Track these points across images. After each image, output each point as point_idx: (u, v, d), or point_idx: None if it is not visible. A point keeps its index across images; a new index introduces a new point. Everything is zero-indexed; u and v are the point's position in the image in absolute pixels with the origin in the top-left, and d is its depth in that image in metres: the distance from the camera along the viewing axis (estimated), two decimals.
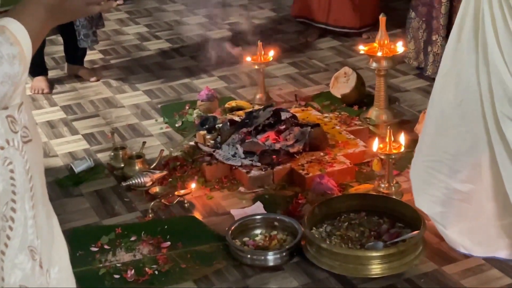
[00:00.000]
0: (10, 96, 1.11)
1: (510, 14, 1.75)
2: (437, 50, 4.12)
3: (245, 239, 2.75)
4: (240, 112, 3.69)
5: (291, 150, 3.25)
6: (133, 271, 2.57)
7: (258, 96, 3.99)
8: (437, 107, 2.11)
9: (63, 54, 4.58)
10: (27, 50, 1.13)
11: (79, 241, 2.76)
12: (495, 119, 1.88)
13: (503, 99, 1.83)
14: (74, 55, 4.47)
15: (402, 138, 3.00)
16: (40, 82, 4.31)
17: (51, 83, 4.40)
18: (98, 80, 4.47)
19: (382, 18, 3.63)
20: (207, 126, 3.52)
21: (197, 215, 2.98)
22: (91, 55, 4.80)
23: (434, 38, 4.12)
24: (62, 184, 3.25)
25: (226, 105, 3.87)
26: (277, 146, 3.27)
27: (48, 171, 3.32)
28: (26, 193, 1.19)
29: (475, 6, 1.83)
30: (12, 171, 1.16)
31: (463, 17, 1.87)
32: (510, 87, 1.78)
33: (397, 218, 2.74)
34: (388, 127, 3.12)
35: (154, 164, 3.21)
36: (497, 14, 1.75)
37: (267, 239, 2.75)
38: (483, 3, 1.79)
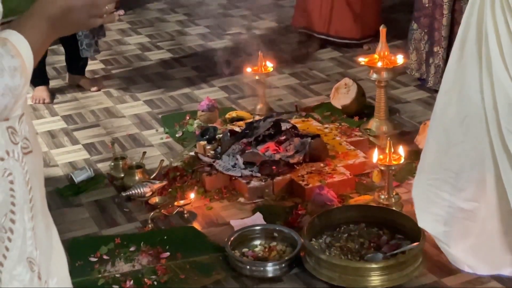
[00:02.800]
0: (11, 108, 1.12)
1: None
2: (439, 62, 4.13)
3: (245, 250, 2.76)
4: (241, 123, 3.70)
5: (291, 160, 3.26)
6: (132, 281, 2.58)
7: (258, 107, 4.00)
8: (439, 124, 2.09)
9: (64, 64, 4.60)
10: (29, 63, 1.13)
11: (78, 251, 2.76)
12: (500, 136, 1.85)
13: (509, 115, 1.82)
14: (76, 65, 4.48)
15: (402, 149, 3.01)
16: (41, 92, 4.32)
17: (52, 93, 4.41)
18: (99, 90, 4.48)
19: (383, 30, 3.65)
20: (207, 136, 3.53)
21: (197, 225, 2.98)
22: (93, 65, 4.81)
23: (435, 49, 4.13)
24: (62, 194, 3.25)
25: (227, 116, 3.88)
26: (277, 156, 3.27)
27: (48, 180, 3.33)
28: (25, 204, 1.19)
29: (478, 22, 1.81)
30: (11, 182, 1.16)
31: (465, 33, 1.85)
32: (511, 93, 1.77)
33: (397, 230, 2.74)
34: (388, 138, 3.13)
35: (154, 174, 3.22)
36: (502, 30, 1.73)
37: (266, 250, 2.75)
38: (487, 19, 1.77)
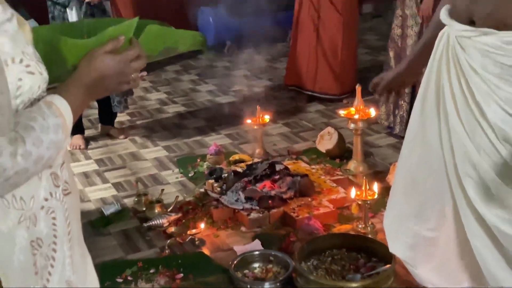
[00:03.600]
0: (54, 158, 1.13)
1: (468, 89, 1.76)
2: (403, 113, 4.17)
3: (246, 271, 2.74)
4: (242, 164, 3.70)
5: (284, 196, 3.26)
6: None
7: (257, 151, 4.01)
8: (404, 166, 2.09)
9: (97, 116, 4.62)
10: (69, 121, 1.14)
11: (107, 274, 2.73)
12: (457, 176, 1.85)
13: (464, 159, 1.81)
14: (107, 117, 4.52)
15: (376, 186, 3.02)
16: (77, 139, 4.34)
17: (87, 140, 4.43)
18: (125, 138, 4.50)
19: (358, 88, 3.69)
20: (215, 176, 3.54)
21: (206, 250, 2.97)
22: (120, 117, 4.84)
23: (400, 103, 4.17)
24: (94, 225, 3.24)
25: (231, 158, 3.88)
26: (273, 193, 3.27)
27: (82, 214, 3.25)
28: (64, 236, 1.20)
29: (436, 83, 1.81)
30: (54, 218, 1.17)
31: (425, 91, 1.85)
32: (469, 149, 1.76)
33: (373, 254, 2.72)
34: (364, 177, 3.14)
35: (171, 208, 3.20)
36: (456, 90, 1.74)
37: (264, 271, 2.74)
38: (443, 81, 1.77)
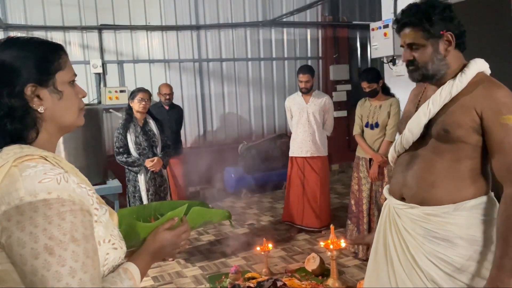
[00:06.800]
0: None
1: (404, 244, 1.73)
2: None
3: None
4: (254, 281, 3.55)
5: None
6: None
7: (263, 270, 3.87)
8: None
9: None
10: (138, 281, 1.12)
11: None
12: None
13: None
14: None
15: None
16: None
17: None
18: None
19: (332, 227, 3.66)
20: None
21: None
22: None
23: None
24: None
25: (245, 276, 3.73)
26: None
27: None
28: None
29: (383, 239, 1.82)
30: None
31: (377, 244, 1.84)
32: (409, 286, 1.71)
33: None
34: None
35: None
36: (397, 244, 1.72)
37: None
38: (388, 238, 1.78)
